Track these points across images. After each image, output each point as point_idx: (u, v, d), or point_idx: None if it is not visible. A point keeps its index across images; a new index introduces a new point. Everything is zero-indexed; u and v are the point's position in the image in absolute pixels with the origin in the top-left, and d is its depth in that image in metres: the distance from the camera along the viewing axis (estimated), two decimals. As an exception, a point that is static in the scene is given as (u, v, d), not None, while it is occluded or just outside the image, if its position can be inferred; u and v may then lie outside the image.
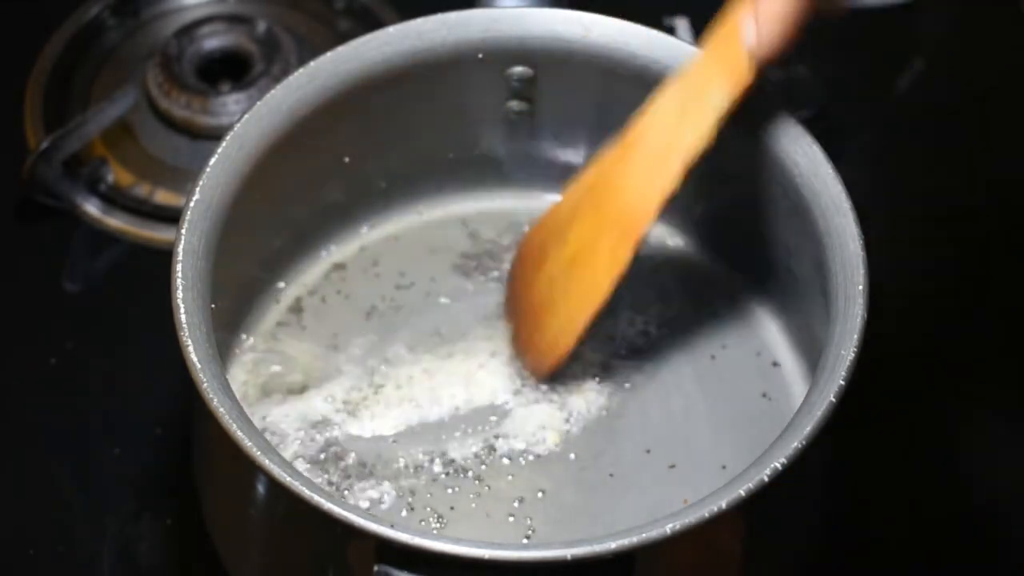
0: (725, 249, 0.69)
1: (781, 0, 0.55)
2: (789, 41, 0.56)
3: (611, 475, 0.63)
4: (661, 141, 0.59)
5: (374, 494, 0.62)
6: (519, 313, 0.65)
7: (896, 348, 0.71)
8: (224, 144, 0.60)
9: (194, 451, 0.64)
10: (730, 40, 0.57)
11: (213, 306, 0.57)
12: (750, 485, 0.51)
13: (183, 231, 0.58)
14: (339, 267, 0.70)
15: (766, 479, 0.51)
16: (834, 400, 0.53)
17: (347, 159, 0.67)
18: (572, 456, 0.63)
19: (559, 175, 0.71)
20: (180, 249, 0.57)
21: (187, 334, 0.55)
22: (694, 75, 0.59)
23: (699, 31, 0.62)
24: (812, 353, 0.62)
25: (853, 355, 0.54)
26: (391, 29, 0.64)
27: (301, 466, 0.63)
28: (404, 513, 0.62)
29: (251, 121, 0.61)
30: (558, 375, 0.65)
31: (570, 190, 0.63)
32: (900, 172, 0.81)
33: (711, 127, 0.58)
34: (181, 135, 0.80)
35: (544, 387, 0.65)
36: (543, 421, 0.64)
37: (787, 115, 0.61)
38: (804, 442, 0.52)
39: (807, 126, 0.61)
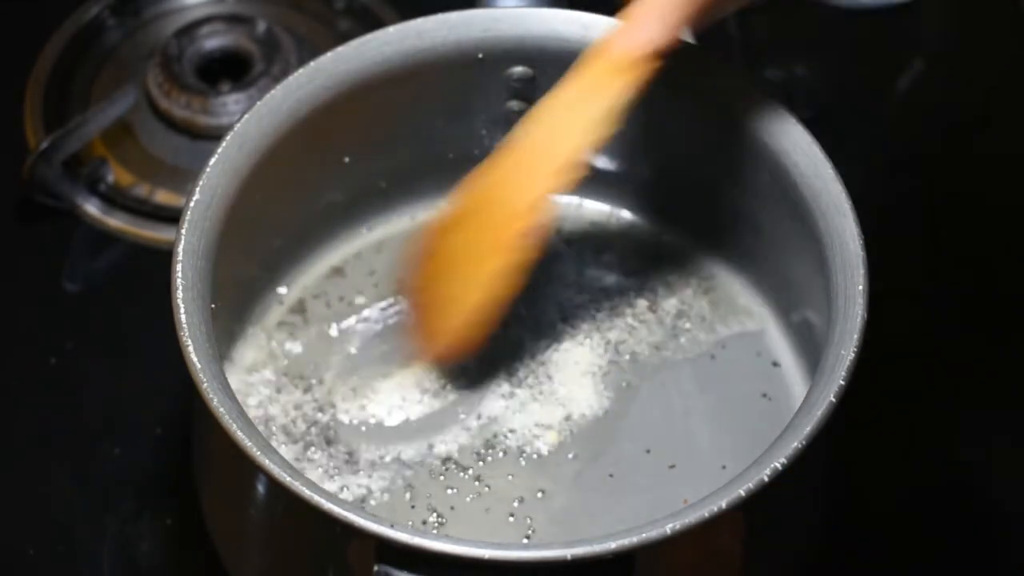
0: (725, 249, 0.69)
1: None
2: (674, 34, 0.57)
3: (611, 475, 0.63)
4: (547, 139, 0.60)
5: (375, 493, 0.62)
6: (415, 303, 0.66)
7: (896, 348, 0.71)
8: (224, 144, 0.60)
9: (194, 451, 0.64)
10: (617, 39, 0.58)
11: (213, 306, 0.57)
12: (750, 485, 0.51)
13: (183, 231, 0.58)
14: (339, 267, 0.70)
15: (766, 479, 0.51)
16: (834, 400, 0.53)
17: (347, 159, 0.67)
18: (572, 456, 0.63)
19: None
20: (180, 249, 0.57)
21: (187, 334, 0.55)
22: (583, 76, 0.59)
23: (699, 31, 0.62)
24: (812, 353, 0.62)
25: (853, 355, 0.54)
26: (391, 29, 0.64)
27: (300, 465, 0.63)
28: (404, 513, 0.62)
29: (251, 121, 0.61)
30: (557, 374, 0.66)
31: (465, 186, 0.63)
32: (900, 172, 0.81)
33: (595, 127, 0.58)
34: (181, 135, 0.80)
35: (544, 387, 0.65)
36: (543, 421, 0.64)
37: (787, 115, 0.61)
38: (804, 442, 0.52)
39: (807, 126, 0.61)
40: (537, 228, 0.60)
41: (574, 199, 0.71)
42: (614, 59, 0.58)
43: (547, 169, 0.59)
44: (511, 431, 0.64)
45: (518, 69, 0.66)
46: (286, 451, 0.63)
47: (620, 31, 0.58)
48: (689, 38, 0.61)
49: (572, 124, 0.59)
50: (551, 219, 0.61)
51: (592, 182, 0.70)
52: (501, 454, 0.63)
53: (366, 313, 0.68)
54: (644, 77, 0.58)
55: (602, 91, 0.58)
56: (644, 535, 0.50)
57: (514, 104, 0.67)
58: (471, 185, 0.62)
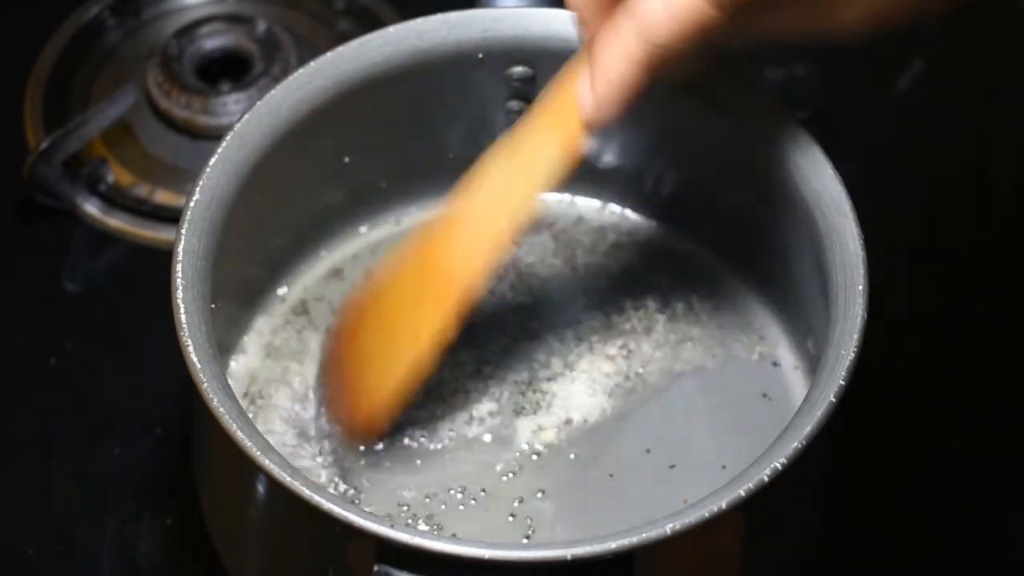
0: (725, 249, 0.69)
1: (618, 65, 0.54)
2: (624, 107, 0.55)
3: (611, 475, 0.63)
4: (488, 204, 0.58)
5: (375, 493, 0.62)
6: (336, 377, 0.63)
7: (896, 348, 0.71)
8: (224, 144, 0.60)
9: (194, 451, 0.64)
10: (565, 103, 0.56)
11: (213, 306, 0.57)
12: (750, 485, 0.51)
13: (183, 231, 0.58)
14: (339, 267, 0.70)
15: (766, 479, 0.51)
16: (834, 400, 0.53)
17: (347, 159, 0.67)
18: (572, 456, 0.63)
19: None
20: (180, 249, 0.57)
21: (187, 334, 0.55)
22: (527, 138, 0.58)
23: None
24: (812, 353, 0.62)
25: (853, 355, 0.54)
26: (391, 29, 0.64)
27: (301, 464, 0.63)
28: (404, 513, 0.62)
29: (251, 121, 0.61)
30: (557, 376, 0.66)
31: (395, 253, 0.62)
32: (900, 172, 0.81)
33: (537, 192, 0.57)
34: (181, 135, 0.80)
35: (544, 388, 0.65)
36: (543, 422, 0.64)
37: (787, 115, 0.61)
38: (804, 442, 0.52)
39: (807, 126, 0.61)
40: (469, 296, 0.58)
41: (566, 196, 0.72)
42: (564, 116, 0.56)
43: (489, 236, 0.58)
44: (511, 431, 0.64)
45: (518, 69, 0.66)
46: (285, 449, 0.63)
47: (572, 88, 0.55)
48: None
49: (515, 183, 0.58)
50: (481, 285, 0.59)
51: (592, 183, 0.71)
52: (501, 454, 0.63)
53: (366, 313, 0.68)
54: (595, 134, 0.56)
55: (548, 149, 0.57)
56: (644, 535, 0.50)
57: (514, 104, 0.67)
58: (402, 253, 0.61)
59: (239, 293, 0.66)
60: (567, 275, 0.70)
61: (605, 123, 0.55)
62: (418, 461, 0.63)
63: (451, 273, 0.59)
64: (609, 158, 0.69)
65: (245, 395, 0.65)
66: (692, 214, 0.69)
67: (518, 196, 0.58)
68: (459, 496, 0.62)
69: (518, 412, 0.65)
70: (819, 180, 0.59)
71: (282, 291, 0.69)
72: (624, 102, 0.54)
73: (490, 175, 0.58)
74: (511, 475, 0.63)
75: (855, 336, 0.55)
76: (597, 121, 0.55)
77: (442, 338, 0.59)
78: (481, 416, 0.65)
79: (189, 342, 0.54)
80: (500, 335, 0.67)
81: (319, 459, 0.63)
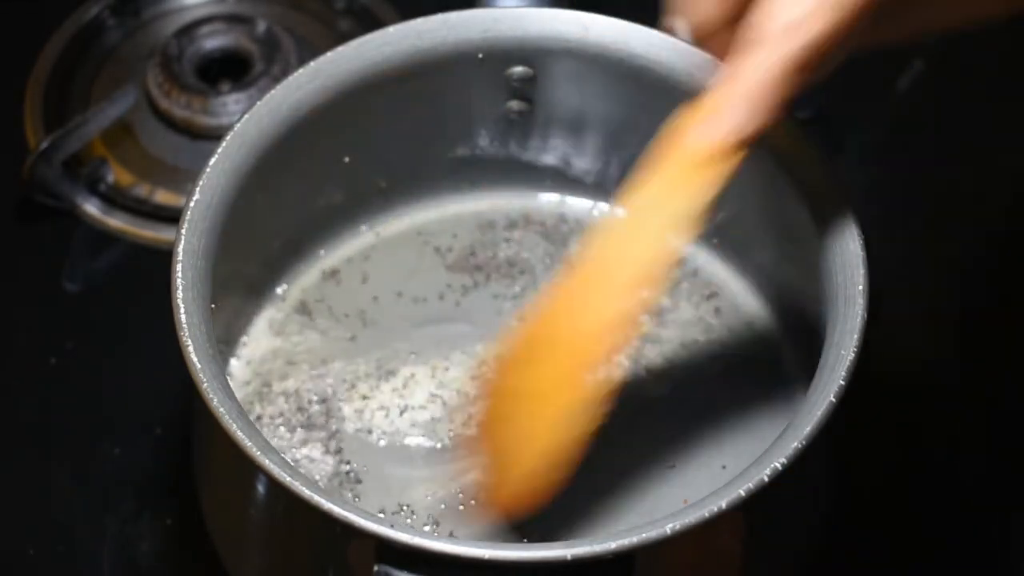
0: (725, 249, 0.69)
1: (759, 78, 0.50)
2: (767, 119, 0.51)
3: (611, 475, 0.63)
4: (618, 253, 0.54)
5: (375, 493, 0.62)
6: (487, 455, 0.59)
7: (896, 348, 0.71)
8: (224, 144, 0.60)
9: (194, 451, 0.64)
10: (697, 129, 0.52)
11: (213, 306, 0.57)
12: (750, 485, 0.51)
13: (183, 231, 0.58)
14: (338, 267, 0.70)
15: (766, 479, 0.51)
16: (834, 400, 0.53)
17: (347, 159, 0.67)
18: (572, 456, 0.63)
19: (559, 175, 0.71)
20: (180, 249, 0.57)
21: (187, 334, 0.55)
22: (658, 176, 0.54)
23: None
24: (812, 353, 0.62)
25: (853, 355, 0.54)
26: (391, 29, 0.64)
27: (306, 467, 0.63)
28: (404, 513, 0.62)
29: (251, 121, 0.61)
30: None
31: (527, 321, 0.58)
32: (900, 172, 0.81)
33: (667, 241, 0.53)
34: (181, 135, 0.80)
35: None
36: (543, 421, 0.64)
37: (787, 115, 0.61)
38: (804, 442, 0.52)
39: (807, 126, 0.61)
40: (610, 356, 0.54)
41: (553, 196, 0.72)
42: (694, 153, 0.52)
43: (619, 287, 0.53)
44: (511, 431, 0.64)
45: (518, 69, 0.66)
46: (284, 446, 0.64)
47: (700, 119, 0.52)
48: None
49: (646, 233, 0.53)
50: (627, 345, 0.55)
51: (585, 184, 0.71)
52: (501, 454, 0.63)
53: (368, 313, 0.68)
54: (731, 169, 0.52)
55: (680, 192, 0.52)
56: (644, 535, 0.50)
57: (514, 104, 0.67)
58: (536, 312, 0.56)
59: (239, 293, 0.66)
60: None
61: (745, 142, 0.52)
62: (419, 461, 0.63)
63: (580, 339, 0.54)
64: (590, 161, 0.69)
65: (245, 395, 0.65)
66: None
67: (651, 242, 0.53)
68: (459, 496, 0.62)
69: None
70: (819, 180, 0.59)
71: (282, 290, 0.69)
72: (767, 111, 0.51)
73: (619, 223, 0.54)
74: (511, 475, 0.63)
75: (855, 336, 0.55)
76: (736, 142, 0.52)
77: (578, 401, 0.54)
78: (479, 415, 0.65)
79: (189, 342, 0.54)
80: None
81: (319, 459, 0.63)
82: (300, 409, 0.65)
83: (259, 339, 0.67)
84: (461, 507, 0.62)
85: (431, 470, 0.63)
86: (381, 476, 0.63)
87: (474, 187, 0.71)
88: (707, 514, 0.50)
